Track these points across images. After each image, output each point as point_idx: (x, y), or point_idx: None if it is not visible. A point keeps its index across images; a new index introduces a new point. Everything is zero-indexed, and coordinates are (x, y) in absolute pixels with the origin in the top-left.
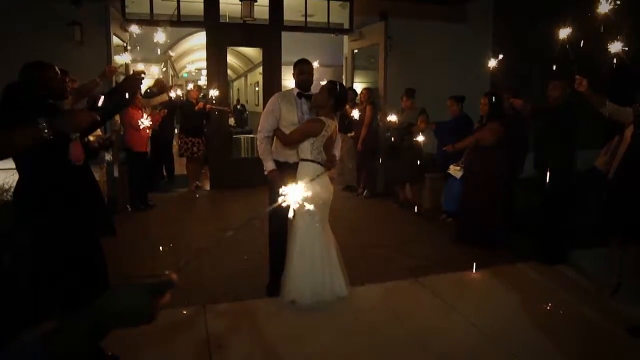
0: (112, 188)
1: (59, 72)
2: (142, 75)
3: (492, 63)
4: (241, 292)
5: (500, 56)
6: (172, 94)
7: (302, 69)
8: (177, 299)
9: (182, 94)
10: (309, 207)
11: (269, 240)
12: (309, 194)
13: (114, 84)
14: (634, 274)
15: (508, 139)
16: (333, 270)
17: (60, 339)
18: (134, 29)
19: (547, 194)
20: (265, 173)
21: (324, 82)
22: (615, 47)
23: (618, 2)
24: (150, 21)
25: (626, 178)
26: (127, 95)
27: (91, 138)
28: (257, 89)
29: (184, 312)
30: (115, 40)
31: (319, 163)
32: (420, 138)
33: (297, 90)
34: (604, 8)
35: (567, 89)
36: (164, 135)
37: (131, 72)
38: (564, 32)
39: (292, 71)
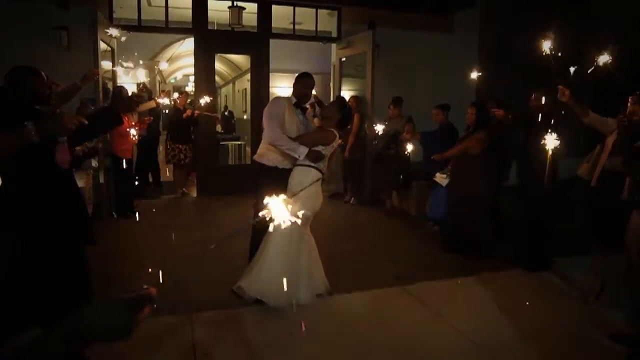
0: (98, 194)
1: (45, 77)
2: (141, 97)
3: (474, 75)
4: (227, 300)
5: (479, 74)
6: (162, 101)
7: (308, 83)
8: (163, 307)
9: (171, 101)
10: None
11: (250, 248)
12: (298, 205)
13: (100, 88)
14: (616, 280)
15: (493, 147)
16: (301, 279)
17: (35, 355)
18: (114, 32)
19: (530, 202)
20: (302, 157)
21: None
22: (602, 58)
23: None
24: (138, 27)
25: (607, 186)
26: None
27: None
28: (244, 103)
29: (170, 320)
30: (102, 45)
31: (317, 169)
32: (408, 147)
33: (294, 100)
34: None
35: (549, 98)
36: (150, 141)
37: (117, 76)
38: (546, 44)
39: (295, 82)
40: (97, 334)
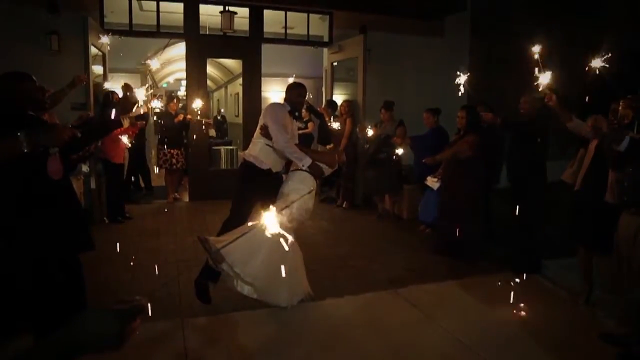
0: (89, 200)
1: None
2: (133, 97)
3: (462, 79)
4: (219, 306)
5: (466, 76)
6: (153, 104)
7: (301, 92)
8: (155, 313)
9: (162, 105)
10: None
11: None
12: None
13: (91, 93)
14: (604, 281)
15: (484, 151)
16: (282, 283)
17: None
18: (105, 39)
19: (519, 204)
20: (306, 167)
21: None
22: (595, 62)
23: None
24: (130, 32)
25: (590, 190)
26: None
27: None
28: (236, 107)
29: (162, 326)
30: (93, 49)
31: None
32: (399, 151)
33: (288, 108)
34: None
35: (538, 103)
36: (139, 146)
37: (107, 81)
38: (535, 49)
39: (288, 90)
40: (90, 344)
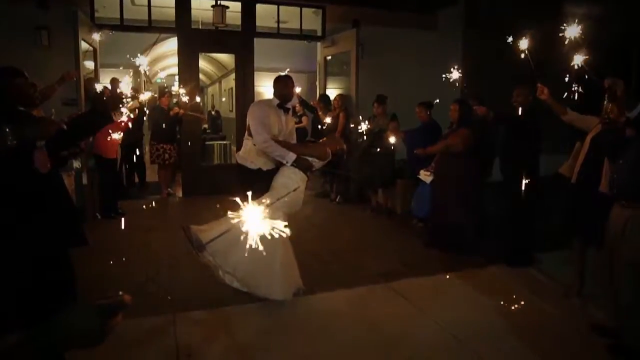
0: (81, 196)
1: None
2: (128, 96)
3: (457, 73)
4: (211, 300)
5: (458, 74)
6: (143, 96)
7: (289, 84)
8: (145, 308)
9: (153, 95)
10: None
11: None
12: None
13: (82, 89)
14: (596, 274)
15: (476, 144)
16: (275, 276)
17: None
18: (96, 36)
19: (513, 198)
20: (290, 163)
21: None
22: (578, 58)
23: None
24: (121, 27)
25: (586, 183)
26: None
27: None
28: (230, 102)
29: (153, 322)
30: (84, 45)
31: (304, 172)
32: (392, 140)
33: (277, 102)
34: (572, 32)
35: (531, 96)
36: (134, 141)
37: (99, 78)
38: (526, 42)
39: (274, 85)
40: (70, 340)
